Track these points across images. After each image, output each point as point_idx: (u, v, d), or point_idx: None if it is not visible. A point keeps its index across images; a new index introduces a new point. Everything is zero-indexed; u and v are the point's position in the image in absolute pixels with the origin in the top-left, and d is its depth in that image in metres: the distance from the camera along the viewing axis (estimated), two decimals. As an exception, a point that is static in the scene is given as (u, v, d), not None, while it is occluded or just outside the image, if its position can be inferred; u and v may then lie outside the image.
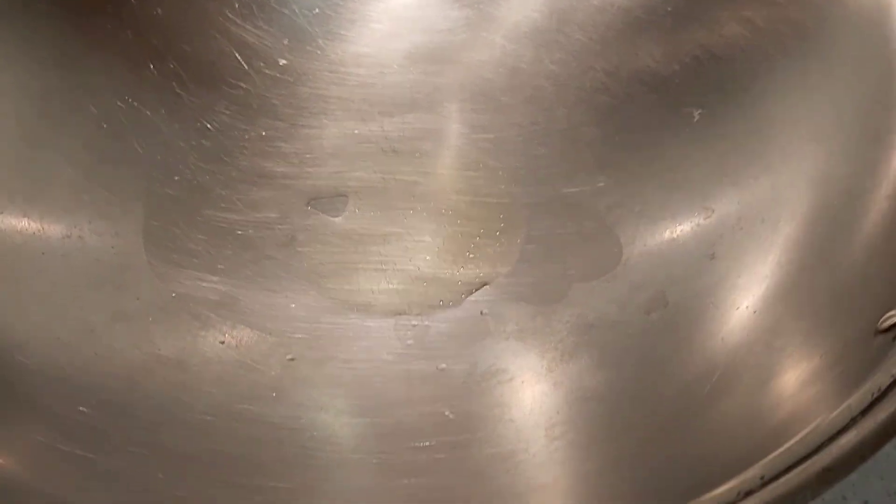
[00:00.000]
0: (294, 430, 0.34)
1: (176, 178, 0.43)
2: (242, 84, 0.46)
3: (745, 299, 0.34)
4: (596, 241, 0.40)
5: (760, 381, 0.32)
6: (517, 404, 0.34)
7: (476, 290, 0.39)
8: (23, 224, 0.39)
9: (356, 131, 0.45)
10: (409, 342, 0.38)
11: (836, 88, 0.37)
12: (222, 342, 0.37)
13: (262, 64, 0.46)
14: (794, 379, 0.31)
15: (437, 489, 0.33)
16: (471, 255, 0.41)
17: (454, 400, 0.35)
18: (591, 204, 0.41)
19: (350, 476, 0.33)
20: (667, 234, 0.38)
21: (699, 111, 0.41)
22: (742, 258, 0.36)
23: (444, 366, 0.37)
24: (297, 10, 0.46)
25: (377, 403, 0.36)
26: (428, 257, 0.41)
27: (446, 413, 0.35)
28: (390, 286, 0.40)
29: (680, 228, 0.38)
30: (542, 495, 0.31)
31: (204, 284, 0.39)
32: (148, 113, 0.44)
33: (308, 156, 0.45)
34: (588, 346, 0.35)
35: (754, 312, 0.34)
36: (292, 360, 0.37)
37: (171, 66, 0.45)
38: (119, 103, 0.44)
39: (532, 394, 0.35)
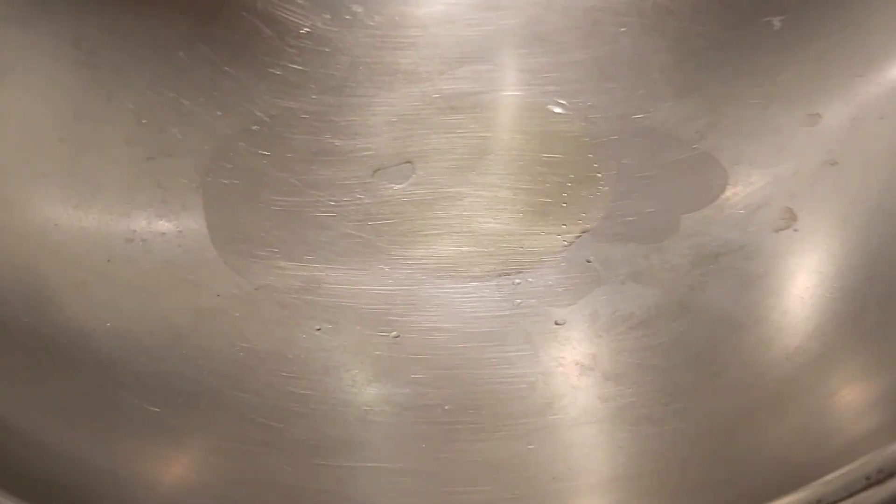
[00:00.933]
0: (422, 406, 0.31)
1: (229, 166, 0.40)
2: (279, 61, 0.43)
3: (881, 211, 0.32)
4: (695, 169, 0.37)
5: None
6: (652, 348, 0.32)
7: (575, 240, 0.37)
8: (81, 233, 0.35)
9: (408, 95, 0.43)
10: (518, 300, 0.35)
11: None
12: (318, 329, 0.34)
13: (294, 38, 0.43)
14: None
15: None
16: (562, 204, 0.38)
17: (583, 349, 0.32)
18: (680, 131, 0.38)
19: (495, 448, 0.30)
20: (774, 148, 0.36)
21: (780, 18, 0.38)
22: (867, 160, 0.33)
23: (562, 320, 0.34)
24: (325, -24, 0.43)
25: (500, 368, 0.33)
26: (513, 212, 0.38)
27: (585, 363, 0.32)
28: (480, 248, 0.37)
29: (787, 139, 0.35)
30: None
31: (283, 272, 0.36)
32: (186, 102, 0.41)
33: (362, 126, 0.42)
34: (720, 274, 0.33)
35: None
36: (397, 336, 0.34)
37: (203, 50, 0.42)
38: (154, 95, 0.40)
39: (670, 335, 0.32)
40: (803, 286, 0.32)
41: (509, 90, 0.42)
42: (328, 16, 0.44)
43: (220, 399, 0.31)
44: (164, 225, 0.37)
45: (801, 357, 0.29)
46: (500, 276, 0.36)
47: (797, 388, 0.28)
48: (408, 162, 0.40)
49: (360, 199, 0.39)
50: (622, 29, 0.42)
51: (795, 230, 0.33)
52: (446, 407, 0.31)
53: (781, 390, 0.28)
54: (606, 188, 0.38)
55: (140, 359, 0.32)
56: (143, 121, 0.40)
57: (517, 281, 0.36)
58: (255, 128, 0.41)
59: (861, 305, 0.30)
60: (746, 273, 0.33)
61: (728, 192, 0.35)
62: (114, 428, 0.29)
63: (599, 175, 0.38)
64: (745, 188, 0.35)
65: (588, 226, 0.37)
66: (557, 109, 0.41)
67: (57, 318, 0.32)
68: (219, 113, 0.41)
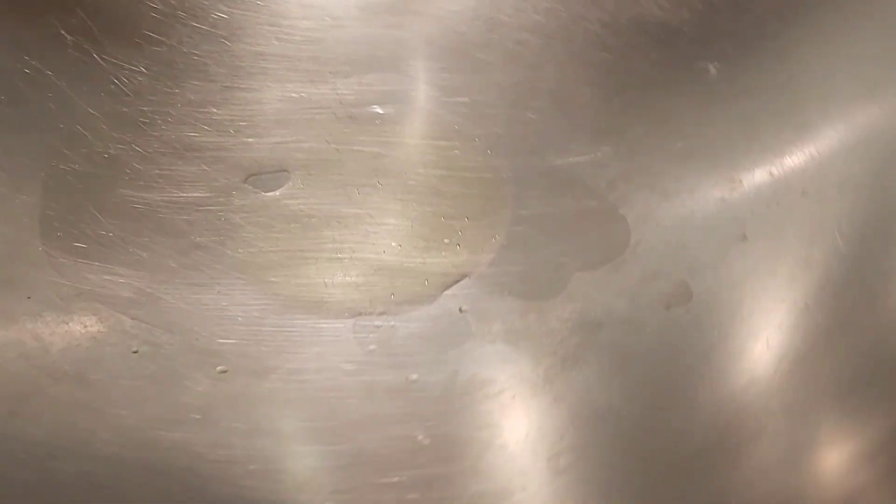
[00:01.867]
0: (225, 462, 0.27)
1: (83, 150, 0.35)
2: (165, 39, 0.38)
3: (793, 291, 0.27)
4: (598, 222, 0.33)
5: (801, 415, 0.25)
6: (510, 425, 0.27)
7: (454, 284, 0.32)
8: None
9: (304, 95, 0.38)
10: (372, 347, 0.30)
11: (889, 30, 0.30)
12: (135, 351, 0.30)
13: (187, 15, 0.39)
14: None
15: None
16: (446, 241, 0.33)
17: (429, 420, 0.28)
18: (590, 178, 0.34)
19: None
20: (685, 212, 0.31)
21: (716, 65, 0.34)
22: (781, 238, 0.29)
23: (415, 377, 0.29)
24: (230, -51, 0.38)
25: (332, 426, 0.28)
26: (394, 243, 0.34)
27: (419, 437, 0.27)
28: (348, 279, 0.33)
29: (701, 205, 0.31)
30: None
31: (115, 280, 0.32)
32: (50, 73, 0.36)
33: (245, 124, 0.37)
34: (596, 349, 0.28)
35: (805, 307, 0.27)
36: (224, 371, 0.29)
37: (79, 18, 0.37)
38: (14, 63, 0.36)
39: (528, 412, 0.27)
40: (689, 371, 0.27)
41: (416, 104, 0.38)
42: (232, -4, 0.39)
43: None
44: (-15, 208, 0.32)
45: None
46: (359, 314, 0.31)
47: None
48: (285, 171, 0.36)
49: (225, 205, 0.35)
50: (547, 55, 0.37)
51: (688, 311, 0.29)
52: (250, 467, 0.26)
53: (672, 474, 0.24)
54: (498, 231, 0.33)
55: None
56: (-8, 88, 0.35)
57: (378, 323, 0.31)
58: (122, 110, 0.36)
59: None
60: (625, 352, 0.28)
61: (626, 255, 0.31)
62: None
63: (492, 216, 0.34)
64: (645, 253, 0.31)
65: (470, 270, 0.32)
66: (466, 132, 0.37)
67: None
68: (84, 88, 0.36)
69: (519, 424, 0.27)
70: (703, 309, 0.28)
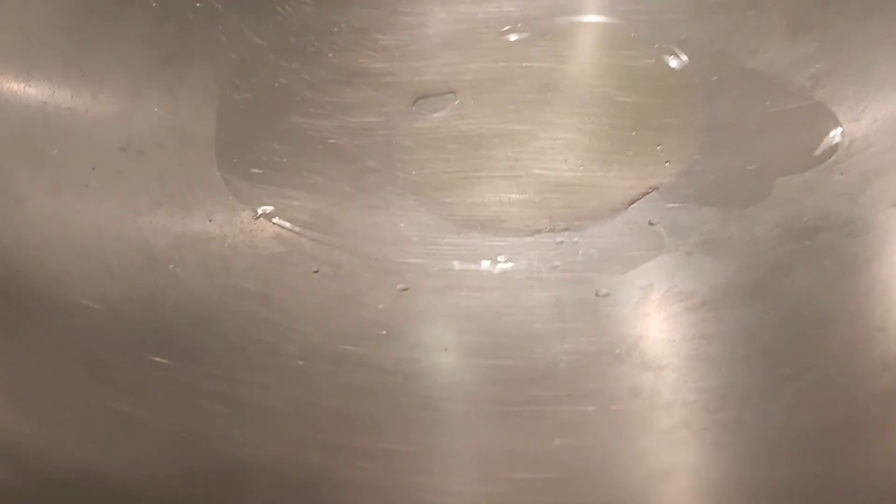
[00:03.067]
0: (411, 375, 0.26)
1: (253, 79, 0.35)
2: (328, -32, 0.38)
3: None
4: (803, 122, 0.29)
5: None
6: (718, 335, 0.25)
7: (641, 197, 0.30)
8: (67, 136, 0.31)
9: (465, 14, 0.36)
10: (556, 263, 0.29)
11: None
12: (316, 271, 0.29)
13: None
14: None
15: (596, 449, 0.24)
16: (629, 153, 0.31)
17: (625, 333, 0.26)
18: (791, 76, 0.31)
19: (483, 435, 0.24)
20: (907, 103, 0.28)
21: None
22: None
23: (605, 291, 0.27)
24: None
25: (517, 342, 0.27)
26: (571, 158, 0.32)
27: (616, 351, 0.25)
28: (524, 196, 0.31)
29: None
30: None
31: (292, 203, 0.31)
32: (218, 6, 0.36)
33: (412, 47, 0.36)
34: (815, 254, 0.25)
35: None
36: (405, 290, 0.28)
37: (243, -50, 0.37)
38: (182, -6, 0.36)
39: (737, 323, 0.25)
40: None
41: (586, 15, 0.35)
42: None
43: (177, 337, 0.26)
44: (166, 136, 0.32)
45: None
46: (540, 232, 0.30)
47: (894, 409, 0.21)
48: (451, 92, 0.34)
49: (394, 129, 0.34)
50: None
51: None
52: (440, 380, 0.25)
53: (873, 409, 0.21)
54: (689, 138, 0.31)
55: (101, 286, 0.27)
56: (167, 21, 0.35)
57: (560, 240, 0.29)
58: (290, 39, 0.36)
59: None
60: (849, 255, 0.25)
61: (840, 155, 0.28)
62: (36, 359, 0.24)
63: (683, 122, 0.31)
64: (861, 151, 0.28)
65: (658, 181, 0.30)
66: (644, 38, 0.34)
67: (18, 222, 0.28)
68: (252, 19, 0.36)
69: (722, 335, 0.25)
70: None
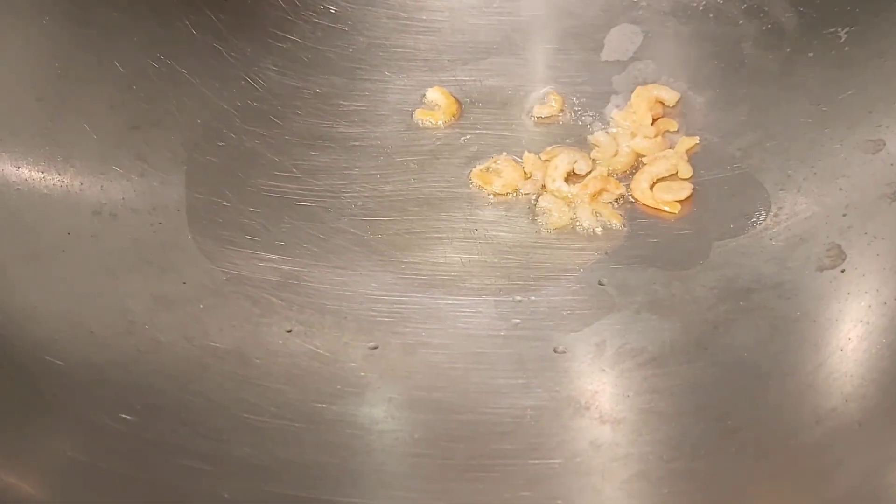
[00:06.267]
0: (385, 432, 0.27)
1: (220, 143, 0.36)
2: (290, 36, 0.39)
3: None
4: (735, 191, 0.33)
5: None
6: (668, 389, 0.27)
7: (591, 258, 0.32)
8: (43, 201, 0.32)
9: (425, 83, 0.39)
10: (516, 321, 0.31)
11: None
12: (289, 330, 0.31)
13: (310, 13, 0.40)
14: None
15: (563, 500, 0.26)
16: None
17: (584, 386, 0.28)
18: (723, 147, 0.34)
19: (458, 488, 0.26)
20: (827, 175, 0.31)
21: (846, 30, 0.34)
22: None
23: (562, 348, 0.30)
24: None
25: (483, 398, 0.29)
26: (524, 222, 0.34)
27: (576, 405, 0.28)
28: (483, 258, 0.33)
29: (843, 167, 0.31)
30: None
31: (261, 264, 0.33)
32: (183, 71, 0.38)
33: (371, 114, 0.38)
34: (749, 314, 0.28)
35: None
36: (375, 347, 0.30)
37: (208, 18, 0.39)
38: (150, 61, 0.37)
39: (684, 378, 0.27)
40: (845, 337, 0.27)
41: (535, 87, 0.38)
42: (350, -9, 0.40)
43: (162, 400, 0.27)
44: (138, 201, 0.34)
45: (834, 421, 0.25)
46: (500, 291, 0.32)
47: (828, 459, 0.24)
48: (412, 156, 0.37)
49: (359, 191, 0.36)
50: (667, 27, 0.38)
51: (842, 271, 0.28)
52: (416, 435, 0.27)
53: (808, 460, 0.24)
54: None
55: (84, 349, 0.28)
56: (133, 87, 0.37)
57: (518, 298, 0.32)
58: (254, 104, 0.38)
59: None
60: (780, 315, 0.28)
61: (769, 221, 0.31)
62: (25, 423, 0.25)
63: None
64: (788, 218, 0.31)
65: (604, 245, 0.32)
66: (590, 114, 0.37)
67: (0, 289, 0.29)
68: (217, 85, 0.38)
69: (671, 390, 0.28)
70: (857, 272, 0.28)
